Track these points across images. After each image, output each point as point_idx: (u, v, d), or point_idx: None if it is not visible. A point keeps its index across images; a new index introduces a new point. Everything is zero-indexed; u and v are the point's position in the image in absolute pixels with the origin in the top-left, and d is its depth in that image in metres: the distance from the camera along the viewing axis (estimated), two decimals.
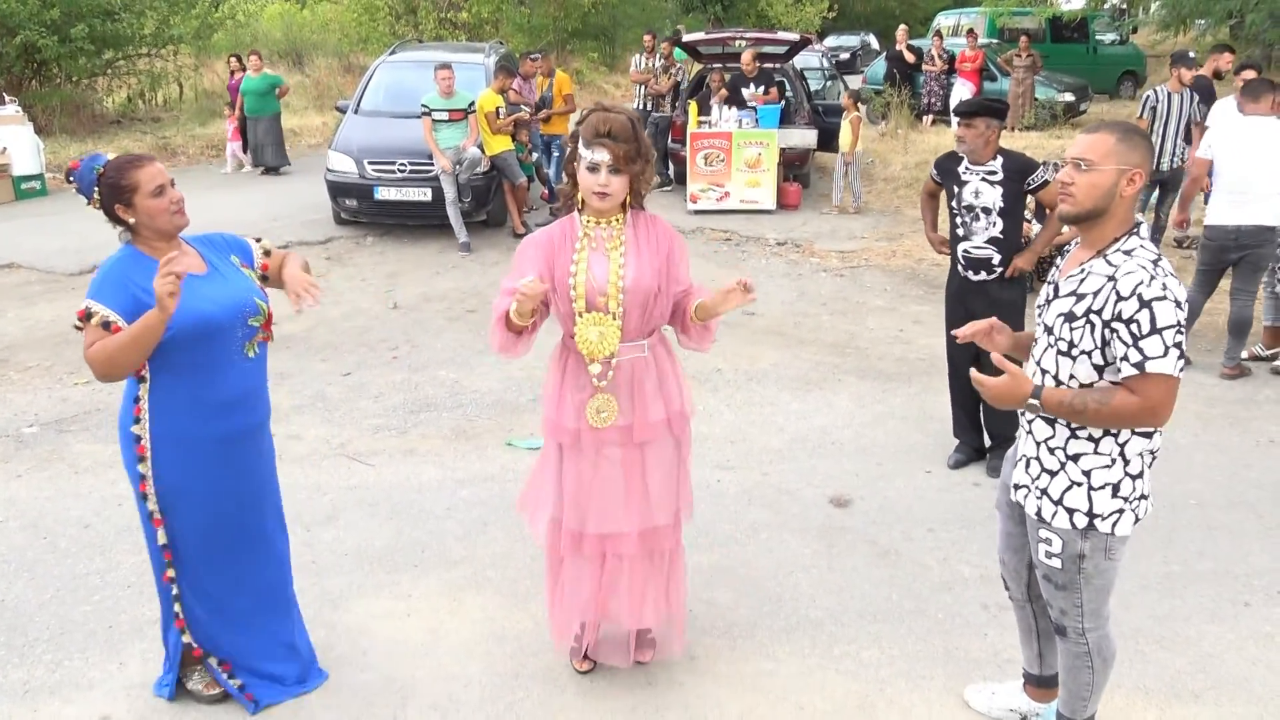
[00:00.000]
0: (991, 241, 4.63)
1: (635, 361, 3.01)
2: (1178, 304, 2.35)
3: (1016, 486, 2.74)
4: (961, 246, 4.74)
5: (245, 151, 13.69)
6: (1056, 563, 2.64)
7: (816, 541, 4.25)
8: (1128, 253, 2.45)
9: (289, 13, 26.18)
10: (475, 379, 6.17)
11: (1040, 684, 3.07)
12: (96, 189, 2.80)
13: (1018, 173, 4.59)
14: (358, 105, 10.67)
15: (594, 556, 3.12)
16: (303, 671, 3.29)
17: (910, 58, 16.57)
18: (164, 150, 14.78)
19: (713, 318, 3.03)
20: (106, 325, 2.71)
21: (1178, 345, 2.35)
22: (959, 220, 4.73)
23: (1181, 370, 2.39)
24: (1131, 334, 2.36)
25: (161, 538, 2.97)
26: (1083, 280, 2.49)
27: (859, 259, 9.21)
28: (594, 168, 2.85)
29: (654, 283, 2.94)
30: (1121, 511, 2.57)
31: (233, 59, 14.18)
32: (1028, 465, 2.69)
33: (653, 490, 3.08)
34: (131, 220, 2.82)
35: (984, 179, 4.61)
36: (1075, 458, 2.57)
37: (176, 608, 3.08)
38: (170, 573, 3.03)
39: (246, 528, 3.08)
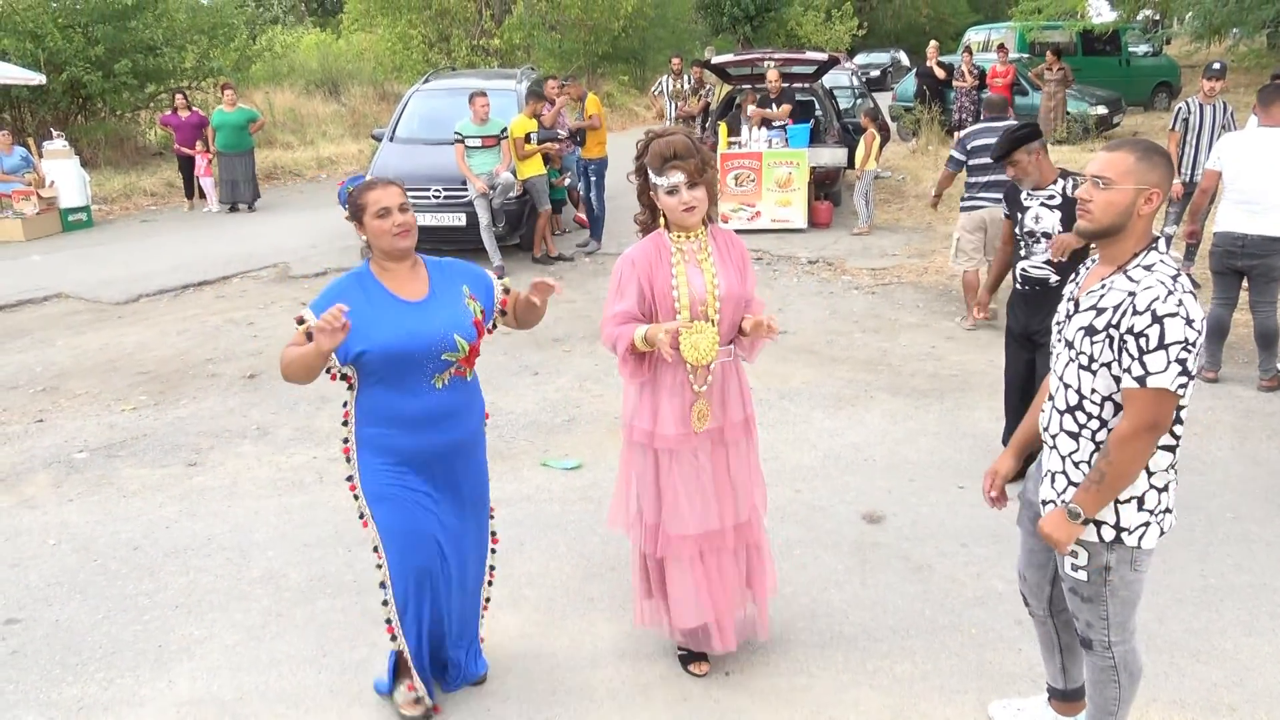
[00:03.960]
0: (1049, 263, 4.59)
1: (725, 365, 3.21)
2: (1188, 321, 2.34)
3: (1045, 503, 2.72)
4: (1021, 265, 4.72)
5: (207, 189, 13.53)
6: (1083, 575, 2.64)
7: (850, 557, 4.28)
8: (1148, 268, 2.45)
9: (325, 42, 26.77)
10: (510, 400, 6.25)
11: (1065, 698, 3.06)
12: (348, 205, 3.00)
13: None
14: (393, 133, 10.87)
15: (694, 558, 3.28)
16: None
17: (941, 74, 16.55)
18: None
19: (751, 341, 3.22)
20: (311, 336, 2.84)
21: (1181, 361, 2.35)
22: (1022, 243, 4.71)
23: (1182, 388, 2.37)
24: (1139, 347, 2.36)
25: (371, 540, 3.09)
26: (1103, 295, 2.49)
27: (891, 276, 9.22)
28: (673, 190, 3.05)
29: (740, 289, 3.16)
30: (1147, 525, 2.56)
31: (178, 95, 13.70)
32: (1053, 480, 2.68)
33: (738, 487, 3.30)
34: (365, 239, 3.00)
35: (1043, 204, 4.58)
36: None
37: (388, 612, 3.14)
38: (381, 576, 3.12)
39: (430, 543, 3.09)
